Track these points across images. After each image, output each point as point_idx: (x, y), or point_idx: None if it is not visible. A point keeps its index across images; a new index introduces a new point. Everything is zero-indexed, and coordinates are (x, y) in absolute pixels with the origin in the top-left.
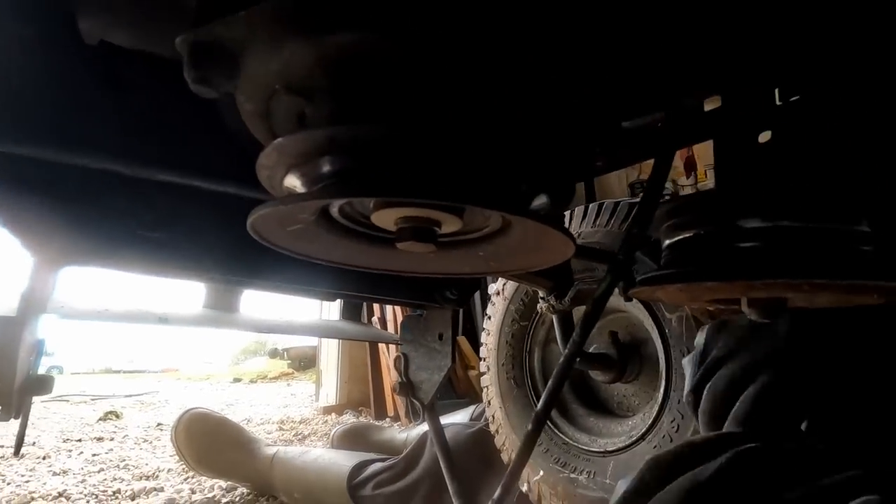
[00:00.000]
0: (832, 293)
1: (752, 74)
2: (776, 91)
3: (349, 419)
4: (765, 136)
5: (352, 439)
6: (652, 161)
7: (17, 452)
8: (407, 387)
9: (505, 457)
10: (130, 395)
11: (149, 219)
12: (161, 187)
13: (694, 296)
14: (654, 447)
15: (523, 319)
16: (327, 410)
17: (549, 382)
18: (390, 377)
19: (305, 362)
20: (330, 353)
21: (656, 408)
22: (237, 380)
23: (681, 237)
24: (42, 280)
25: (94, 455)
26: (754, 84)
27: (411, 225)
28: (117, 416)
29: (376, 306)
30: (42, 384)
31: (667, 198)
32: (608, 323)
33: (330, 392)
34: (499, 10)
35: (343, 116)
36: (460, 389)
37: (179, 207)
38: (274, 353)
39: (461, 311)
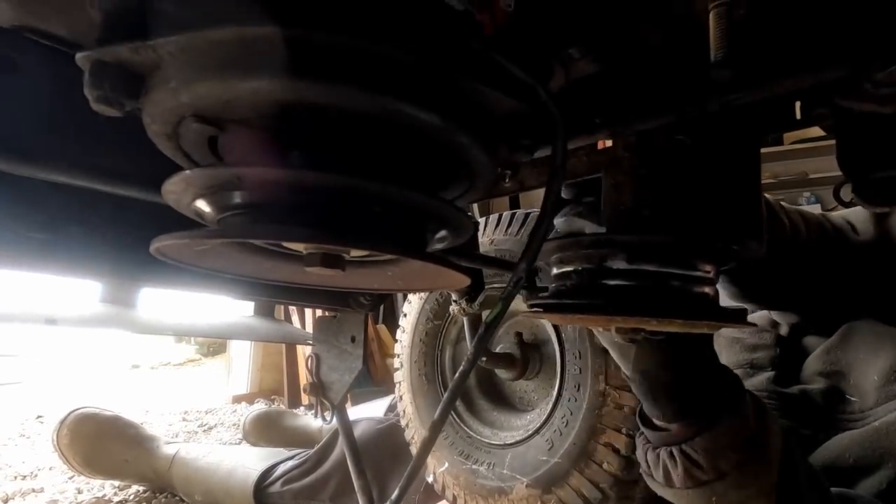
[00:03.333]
0: (677, 325)
1: (640, 118)
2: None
3: (260, 408)
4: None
5: (264, 426)
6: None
7: None
8: (317, 387)
9: (413, 450)
10: (3, 384)
11: (38, 219)
12: (54, 186)
13: (570, 321)
14: (546, 440)
15: (437, 318)
16: (237, 399)
17: (445, 395)
18: (306, 365)
19: (215, 348)
20: None
21: (551, 404)
22: (136, 366)
23: (564, 270)
24: None
25: None
26: (642, 128)
27: (320, 251)
28: None
29: None
30: None
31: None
32: (515, 324)
33: (240, 380)
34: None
35: (254, 153)
36: (378, 377)
37: (74, 208)
38: (179, 338)
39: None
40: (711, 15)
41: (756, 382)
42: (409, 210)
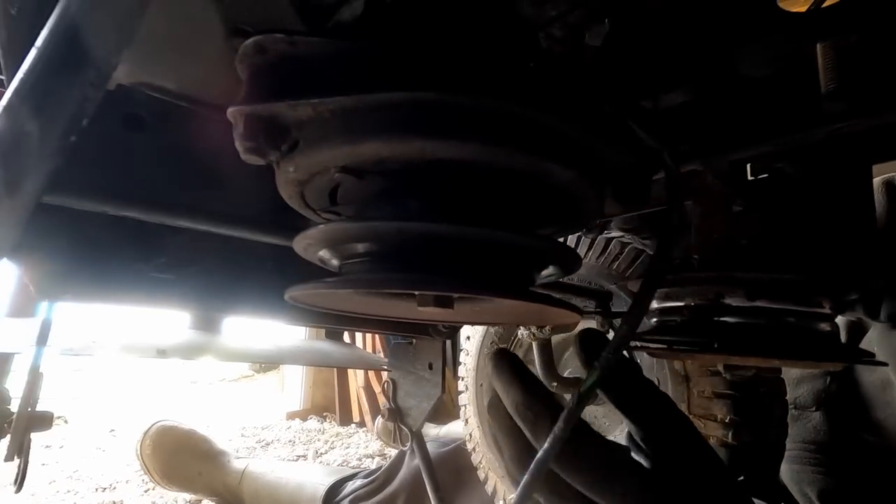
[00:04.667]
0: (800, 365)
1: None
2: (748, 167)
3: (314, 425)
4: None
5: None
6: None
7: (19, 489)
8: (395, 412)
9: (481, 474)
10: (77, 398)
11: (161, 262)
12: (175, 230)
13: (678, 357)
14: None
15: (502, 342)
16: (291, 416)
17: (536, 457)
18: (356, 382)
19: (267, 364)
20: None
21: (625, 432)
22: (194, 382)
23: (671, 305)
24: (43, 315)
25: (42, 465)
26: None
27: (435, 294)
28: (65, 421)
29: None
30: (42, 420)
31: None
32: None
33: (293, 396)
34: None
35: (383, 205)
36: None
37: (191, 250)
38: None
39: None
40: (819, 48)
41: (803, 432)
42: (528, 254)
